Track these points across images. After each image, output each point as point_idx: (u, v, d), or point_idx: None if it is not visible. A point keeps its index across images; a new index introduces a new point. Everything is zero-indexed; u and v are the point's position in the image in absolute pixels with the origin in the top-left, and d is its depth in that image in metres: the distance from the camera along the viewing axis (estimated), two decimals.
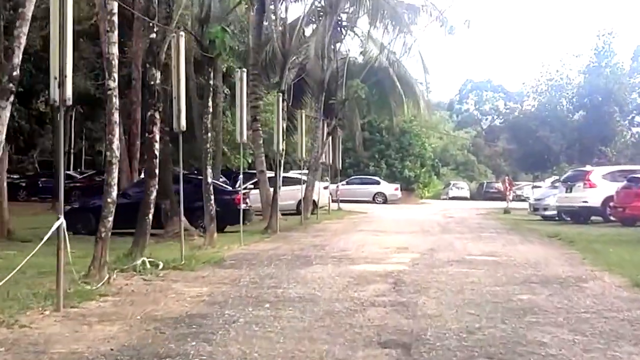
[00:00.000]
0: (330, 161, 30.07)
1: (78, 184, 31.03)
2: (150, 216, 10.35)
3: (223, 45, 12.40)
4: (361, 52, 30.04)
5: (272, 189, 19.65)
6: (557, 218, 23.46)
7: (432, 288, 8.43)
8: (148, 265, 9.61)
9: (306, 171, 25.15)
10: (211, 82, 13.58)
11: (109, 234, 8.71)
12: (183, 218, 16.48)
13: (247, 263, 10.91)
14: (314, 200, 25.03)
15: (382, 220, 23.94)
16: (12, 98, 7.85)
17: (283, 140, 19.57)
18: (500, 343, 5.62)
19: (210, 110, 13.48)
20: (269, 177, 21.39)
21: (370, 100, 30.01)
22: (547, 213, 24.36)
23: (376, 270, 10.07)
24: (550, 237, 16.07)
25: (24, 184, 34.93)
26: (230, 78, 24.43)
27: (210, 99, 13.37)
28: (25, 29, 7.74)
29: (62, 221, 7.07)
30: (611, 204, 20.09)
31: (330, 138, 27.64)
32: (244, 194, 20.07)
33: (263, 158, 22.39)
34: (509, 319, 6.60)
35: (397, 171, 46.34)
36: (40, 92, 31.46)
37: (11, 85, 7.74)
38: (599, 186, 20.98)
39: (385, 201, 39.20)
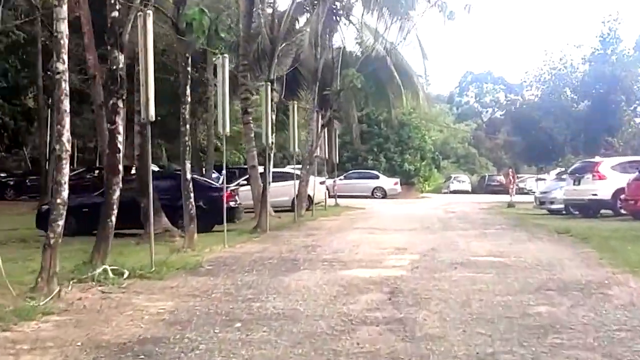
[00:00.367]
0: (326, 155, 28.94)
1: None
2: (114, 218, 9.13)
3: (201, 28, 11.18)
4: (357, 42, 28.88)
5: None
6: (564, 212, 22.27)
7: (433, 299, 7.27)
8: (110, 275, 8.45)
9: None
10: (188, 69, 12.33)
11: (59, 240, 7.51)
12: (164, 218, 15.51)
13: (225, 269, 9.73)
14: (309, 196, 23.88)
15: (380, 216, 22.81)
16: None
17: (274, 133, 18.42)
18: None
19: (188, 100, 12.24)
20: (261, 173, 20.21)
21: (368, 92, 28.90)
22: (554, 207, 23.19)
23: (370, 276, 8.90)
24: (560, 234, 14.88)
25: (11, 183, 33.89)
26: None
27: (187, 87, 12.14)
28: None
29: None
30: (622, 196, 19.12)
31: (325, 130, 26.51)
32: (232, 190, 18.93)
33: (255, 152, 21.22)
34: (527, 340, 5.47)
35: (396, 165, 45.04)
36: (28, 87, 30.19)
37: None
38: (609, 178, 20.01)
39: (384, 196, 38.07)
